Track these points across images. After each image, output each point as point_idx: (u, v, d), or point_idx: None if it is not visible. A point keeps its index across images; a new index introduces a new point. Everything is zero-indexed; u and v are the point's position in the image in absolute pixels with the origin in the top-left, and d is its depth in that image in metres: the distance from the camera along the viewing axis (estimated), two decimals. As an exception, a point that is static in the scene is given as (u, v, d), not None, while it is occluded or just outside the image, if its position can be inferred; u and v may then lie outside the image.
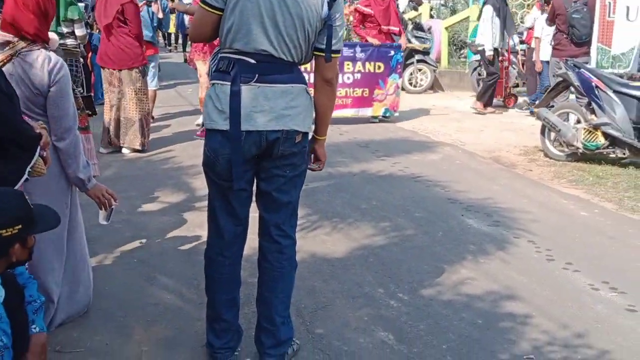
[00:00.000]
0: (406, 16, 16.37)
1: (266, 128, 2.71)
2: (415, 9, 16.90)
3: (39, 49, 3.01)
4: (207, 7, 2.74)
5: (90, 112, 7.48)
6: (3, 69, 2.93)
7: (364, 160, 7.15)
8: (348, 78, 9.14)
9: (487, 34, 9.76)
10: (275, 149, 2.76)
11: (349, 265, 4.29)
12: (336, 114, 8.44)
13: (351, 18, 11.50)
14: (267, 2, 2.64)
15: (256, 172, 2.89)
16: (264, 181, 2.88)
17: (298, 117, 2.77)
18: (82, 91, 6.27)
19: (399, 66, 9.38)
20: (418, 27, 14.01)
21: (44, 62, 2.98)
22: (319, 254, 4.45)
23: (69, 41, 6.42)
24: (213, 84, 2.79)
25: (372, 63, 9.18)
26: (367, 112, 9.42)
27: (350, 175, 6.55)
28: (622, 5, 7.52)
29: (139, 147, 7.15)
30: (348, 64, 9.09)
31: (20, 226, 2.27)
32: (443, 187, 6.19)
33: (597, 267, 4.37)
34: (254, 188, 2.97)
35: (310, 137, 2.96)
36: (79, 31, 6.60)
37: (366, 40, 9.28)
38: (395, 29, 9.42)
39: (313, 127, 2.97)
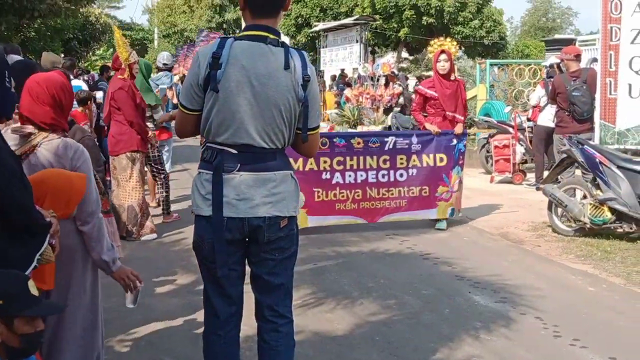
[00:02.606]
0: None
1: (247, 215, 2.83)
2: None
3: (58, 138, 3.17)
4: (185, 111, 2.93)
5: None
6: (28, 159, 3.09)
7: (373, 239, 7.20)
8: (401, 175, 7.56)
9: None
10: (260, 235, 2.88)
11: (354, 344, 4.32)
12: (388, 218, 7.60)
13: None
14: (242, 98, 2.80)
15: (246, 254, 2.99)
16: (255, 265, 2.99)
17: (281, 203, 2.89)
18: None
19: (461, 157, 7.76)
20: (426, 106, 14.25)
21: (64, 150, 3.14)
22: (325, 333, 4.49)
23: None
24: (199, 172, 2.95)
25: (432, 155, 7.61)
26: (431, 214, 7.73)
27: (359, 254, 6.61)
28: (623, 83, 7.67)
29: (124, 235, 7.05)
30: (402, 158, 7.55)
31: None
32: (451, 264, 6.23)
33: (605, 342, 4.36)
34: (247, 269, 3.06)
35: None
36: (157, 115, 7.04)
37: (424, 128, 7.76)
38: (461, 117, 7.77)
39: (299, 210, 3.07)
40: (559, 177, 8.03)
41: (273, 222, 2.88)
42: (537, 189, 9.24)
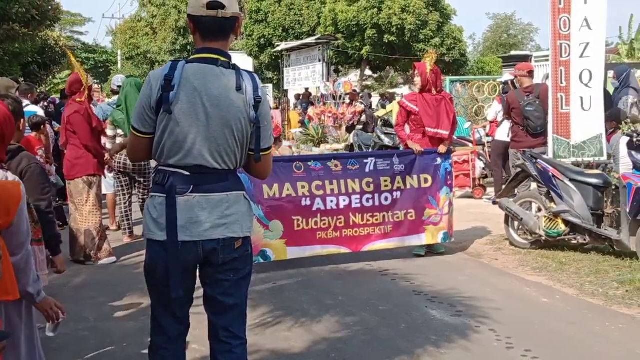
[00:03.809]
0: (376, 114, 16.90)
1: (202, 238, 2.86)
2: (384, 107, 17.45)
3: None
4: (137, 134, 2.96)
5: (60, 223, 7.55)
6: None
7: (333, 257, 7.18)
8: (386, 199, 6.99)
9: None
10: (215, 257, 2.91)
11: (310, 361, 4.35)
12: (374, 246, 6.99)
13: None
14: (195, 119, 2.84)
15: (200, 276, 3.02)
16: (209, 286, 3.01)
17: (235, 224, 2.92)
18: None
19: (448, 177, 7.26)
20: (387, 124, 14.43)
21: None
22: (282, 351, 4.51)
23: None
24: (151, 196, 2.97)
25: (416, 176, 7.11)
26: (419, 239, 7.17)
27: (319, 272, 6.65)
28: (575, 96, 7.84)
29: (82, 259, 7.06)
30: (385, 180, 6.99)
31: None
32: (409, 279, 6.30)
33: (555, 352, 4.46)
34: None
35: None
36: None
37: (407, 146, 7.32)
38: (445, 133, 7.22)
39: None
40: (515, 190, 8.17)
41: (227, 243, 2.91)
42: (494, 203, 9.38)
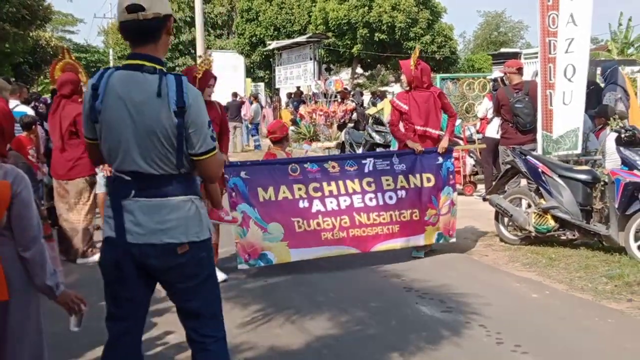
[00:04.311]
0: (367, 112, 16.93)
1: (138, 241, 2.89)
2: (375, 105, 17.49)
3: None
4: (87, 140, 3.06)
5: (51, 222, 7.52)
6: None
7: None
8: (390, 198, 6.86)
9: None
10: (155, 262, 2.93)
11: (302, 359, 4.37)
12: (382, 246, 6.84)
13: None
14: (123, 126, 2.85)
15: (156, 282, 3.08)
16: (168, 292, 3.08)
17: (176, 229, 2.90)
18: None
19: (450, 176, 7.13)
20: (378, 121, 14.45)
21: (5, 176, 3.12)
22: (274, 348, 4.54)
23: None
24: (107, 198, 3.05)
25: (418, 175, 6.96)
26: (419, 240, 7.00)
27: (310, 269, 6.66)
28: (559, 91, 7.91)
29: (79, 257, 7.07)
30: (387, 180, 6.88)
31: None
32: (400, 276, 6.34)
33: (545, 347, 4.50)
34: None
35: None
36: None
37: (404, 146, 7.24)
38: (433, 131, 7.11)
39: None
40: (505, 187, 8.21)
41: (166, 249, 2.90)
42: (484, 199, 9.42)
